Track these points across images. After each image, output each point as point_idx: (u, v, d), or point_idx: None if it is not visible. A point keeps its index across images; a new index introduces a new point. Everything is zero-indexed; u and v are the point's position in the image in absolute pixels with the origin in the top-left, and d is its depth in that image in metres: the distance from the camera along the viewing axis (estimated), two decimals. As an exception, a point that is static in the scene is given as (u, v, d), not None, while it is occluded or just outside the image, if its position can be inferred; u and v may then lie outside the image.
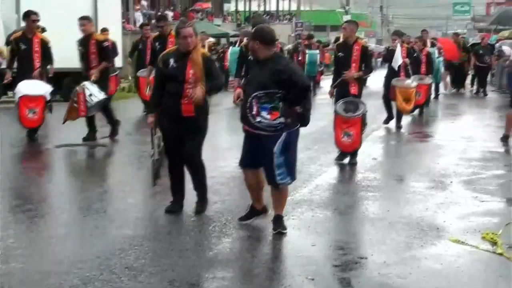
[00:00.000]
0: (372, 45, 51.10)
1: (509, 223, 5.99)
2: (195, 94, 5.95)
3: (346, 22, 9.58)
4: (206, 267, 4.96)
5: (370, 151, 10.09)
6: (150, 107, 6.87)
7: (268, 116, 5.51)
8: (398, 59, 11.84)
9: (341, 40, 9.60)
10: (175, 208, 6.38)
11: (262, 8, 57.10)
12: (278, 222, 5.76)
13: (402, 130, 12.32)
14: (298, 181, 7.61)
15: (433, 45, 17.35)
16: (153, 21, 32.98)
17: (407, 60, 12.35)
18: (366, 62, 9.03)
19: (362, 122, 8.81)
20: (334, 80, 9.13)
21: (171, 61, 6.14)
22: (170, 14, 36.77)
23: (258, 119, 5.54)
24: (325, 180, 8.06)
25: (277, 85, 5.49)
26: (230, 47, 21.31)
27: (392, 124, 12.53)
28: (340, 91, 8.90)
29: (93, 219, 6.18)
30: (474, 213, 6.54)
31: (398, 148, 10.79)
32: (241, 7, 54.18)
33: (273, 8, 59.00)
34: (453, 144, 10.71)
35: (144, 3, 35.56)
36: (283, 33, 43.84)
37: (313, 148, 9.95)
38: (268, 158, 5.61)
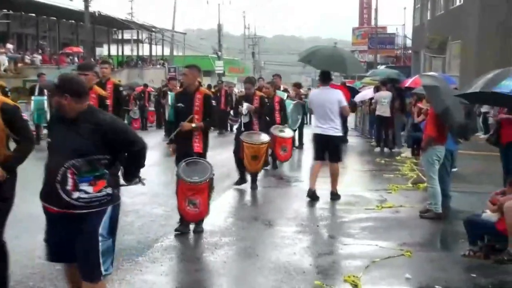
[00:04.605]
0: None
1: (369, 266, 6.31)
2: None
3: (186, 67, 8.01)
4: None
5: (241, 196, 10.27)
6: None
7: (90, 189, 4.19)
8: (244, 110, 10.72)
9: (180, 88, 8.24)
10: None
11: (135, 53, 57.02)
12: None
13: (274, 174, 12.50)
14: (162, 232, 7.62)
15: (283, 91, 15.86)
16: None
17: (250, 107, 10.72)
18: (210, 113, 7.73)
19: (209, 188, 7.55)
20: (174, 135, 7.85)
21: None
22: (38, 57, 35.86)
23: (76, 194, 4.16)
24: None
25: (103, 149, 4.23)
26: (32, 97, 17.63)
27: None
28: (182, 149, 7.71)
29: None
30: (338, 256, 6.83)
31: (268, 193, 10.97)
32: (113, 52, 53.72)
33: (146, 52, 59.08)
34: (319, 188, 11.05)
35: (10, 46, 34.38)
36: (156, 78, 43.89)
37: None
38: (89, 244, 4.20)
